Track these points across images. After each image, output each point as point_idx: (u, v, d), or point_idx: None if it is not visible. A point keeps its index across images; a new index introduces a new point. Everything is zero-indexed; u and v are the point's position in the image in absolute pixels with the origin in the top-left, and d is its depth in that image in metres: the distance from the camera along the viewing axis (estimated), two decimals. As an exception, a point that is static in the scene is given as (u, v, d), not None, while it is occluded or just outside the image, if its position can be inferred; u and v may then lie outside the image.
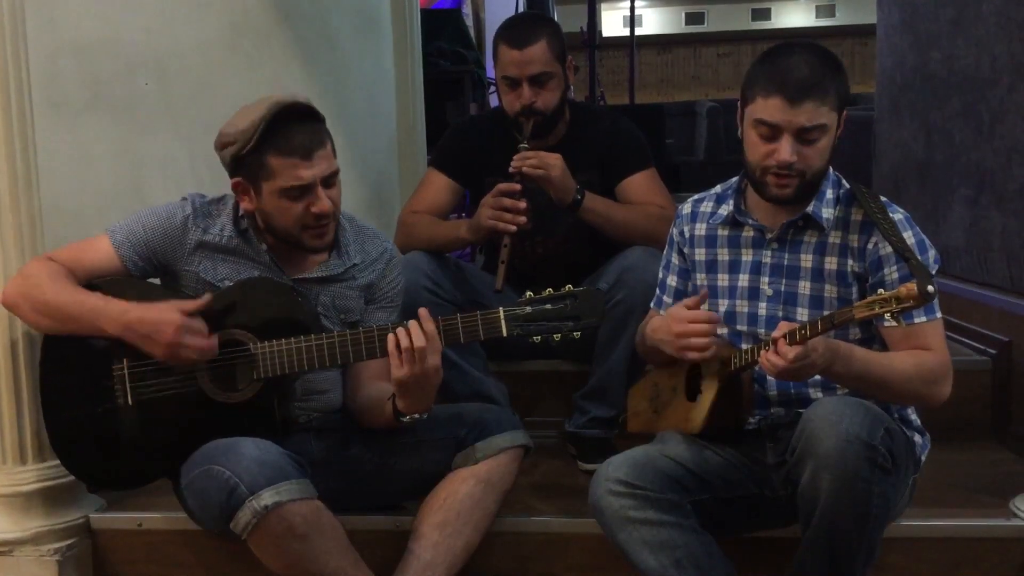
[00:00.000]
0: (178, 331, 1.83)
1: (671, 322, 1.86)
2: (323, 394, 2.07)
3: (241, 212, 2.00)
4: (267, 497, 1.73)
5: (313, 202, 1.91)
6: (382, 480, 2.07)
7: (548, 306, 1.81)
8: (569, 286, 1.83)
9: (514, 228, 2.32)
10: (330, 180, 1.94)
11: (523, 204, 2.32)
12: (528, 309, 1.82)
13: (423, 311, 1.83)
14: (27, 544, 2.10)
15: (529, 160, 2.34)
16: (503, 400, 2.50)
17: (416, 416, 1.89)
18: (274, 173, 1.88)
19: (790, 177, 1.80)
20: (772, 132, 1.78)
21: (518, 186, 2.33)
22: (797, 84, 1.74)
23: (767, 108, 1.77)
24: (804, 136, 1.77)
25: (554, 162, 2.35)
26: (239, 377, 1.92)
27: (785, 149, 1.77)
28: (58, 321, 1.90)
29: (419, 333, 1.80)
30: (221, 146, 1.93)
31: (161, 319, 1.84)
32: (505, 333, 1.82)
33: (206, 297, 1.89)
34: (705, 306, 2.00)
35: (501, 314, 1.82)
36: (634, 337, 2.18)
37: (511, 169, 2.35)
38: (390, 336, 1.81)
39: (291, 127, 1.87)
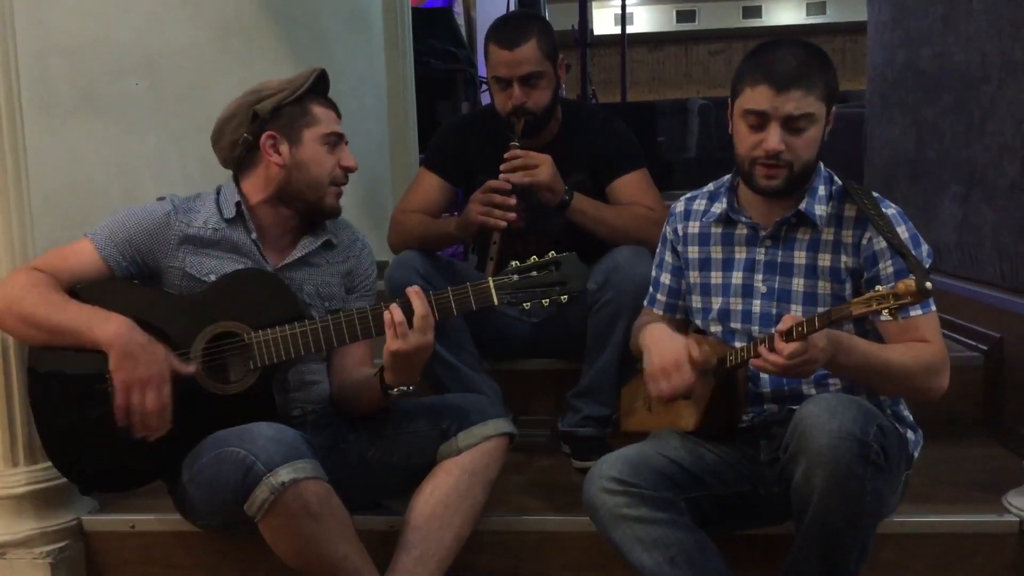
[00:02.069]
0: (157, 379, 1.83)
1: (668, 355, 1.84)
2: (314, 385, 2.08)
3: (236, 199, 2.02)
4: (284, 474, 1.72)
5: (343, 157, 2.06)
6: (370, 474, 2.07)
7: (534, 273, 1.85)
8: (552, 252, 1.86)
9: (503, 224, 2.32)
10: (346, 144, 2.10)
11: (512, 201, 2.33)
12: (515, 278, 1.85)
13: (413, 288, 1.86)
14: (19, 547, 2.10)
15: (517, 164, 2.33)
16: (496, 398, 2.50)
17: (403, 388, 1.91)
18: (318, 119, 2.04)
19: (778, 167, 1.81)
20: (760, 121, 1.79)
21: (508, 185, 2.33)
22: (784, 72, 1.76)
23: (754, 97, 1.79)
24: (792, 125, 1.78)
25: (542, 162, 2.35)
26: (234, 368, 1.92)
27: (773, 137, 1.78)
28: (46, 333, 1.89)
29: (421, 302, 1.83)
30: (254, 103, 2.01)
31: (154, 358, 1.85)
32: (496, 301, 1.85)
33: (192, 368, 1.89)
34: (698, 300, 2.00)
35: (491, 283, 1.85)
36: (624, 336, 2.18)
37: (501, 175, 2.34)
38: (387, 312, 1.83)
39: (325, 91, 2.10)
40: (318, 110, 2.04)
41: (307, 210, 2.06)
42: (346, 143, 2.08)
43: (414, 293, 1.84)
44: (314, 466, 1.78)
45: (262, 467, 1.72)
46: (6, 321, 1.93)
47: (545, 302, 1.84)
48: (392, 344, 1.83)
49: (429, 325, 1.84)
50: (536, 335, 2.62)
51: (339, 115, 2.08)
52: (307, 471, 1.75)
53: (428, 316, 1.83)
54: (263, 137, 2.01)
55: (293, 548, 1.81)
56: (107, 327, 1.85)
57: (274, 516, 1.75)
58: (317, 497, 1.77)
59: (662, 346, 1.87)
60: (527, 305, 1.85)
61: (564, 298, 1.85)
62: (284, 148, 2.01)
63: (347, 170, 2.07)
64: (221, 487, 1.77)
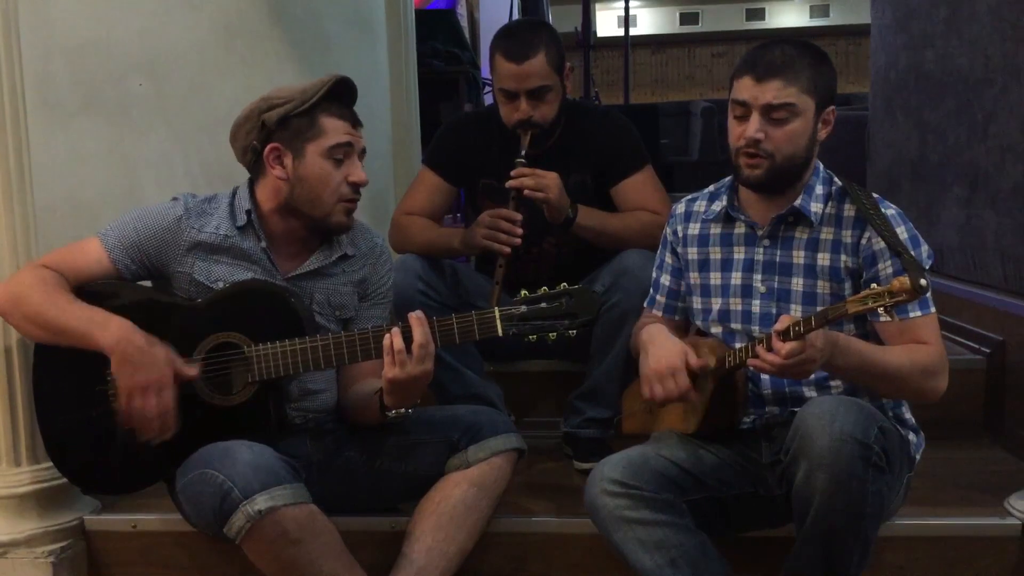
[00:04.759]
0: (158, 383, 1.82)
1: (665, 359, 1.84)
2: (318, 394, 2.07)
3: (247, 206, 2.00)
4: (261, 502, 1.73)
5: (351, 172, 1.98)
6: (376, 482, 2.06)
7: (543, 305, 1.80)
8: (564, 284, 1.82)
9: (508, 250, 2.32)
10: (362, 156, 2.02)
11: (520, 230, 2.32)
12: (523, 308, 1.80)
13: (416, 314, 1.82)
14: (21, 546, 2.10)
15: (527, 180, 2.32)
16: (498, 401, 2.50)
17: (402, 411, 1.90)
18: (325, 131, 1.95)
19: (759, 157, 1.82)
20: (744, 112, 1.82)
21: (519, 216, 2.33)
22: (766, 63, 1.80)
23: (738, 87, 1.83)
24: (771, 115, 1.80)
25: (552, 183, 2.33)
26: (234, 380, 1.91)
27: (752, 125, 1.80)
28: (50, 332, 1.89)
29: (422, 330, 1.79)
30: (264, 110, 1.95)
31: (156, 362, 1.83)
32: (501, 333, 1.81)
33: (194, 372, 1.88)
34: (698, 301, 2.00)
35: (496, 314, 1.81)
36: (629, 339, 2.18)
37: (508, 185, 2.34)
38: (387, 336, 1.81)
39: (343, 99, 1.99)
40: (327, 121, 1.95)
41: (314, 225, 2.01)
42: (360, 153, 2.00)
43: (415, 320, 1.80)
44: (294, 491, 1.78)
45: (239, 494, 1.72)
46: (12, 317, 1.93)
47: (552, 336, 1.80)
48: (389, 371, 1.80)
49: (428, 354, 1.80)
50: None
51: (355, 124, 1.99)
52: (285, 498, 1.75)
53: (428, 344, 1.79)
54: (267, 149, 1.96)
55: (274, 570, 1.83)
56: (107, 331, 1.84)
57: (252, 542, 1.76)
58: (296, 523, 1.77)
59: (660, 349, 1.87)
60: (533, 338, 1.80)
61: (572, 333, 1.80)
62: (288, 161, 1.95)
63: (355, 185, 1.98)
64: (202, 508, 1.78)
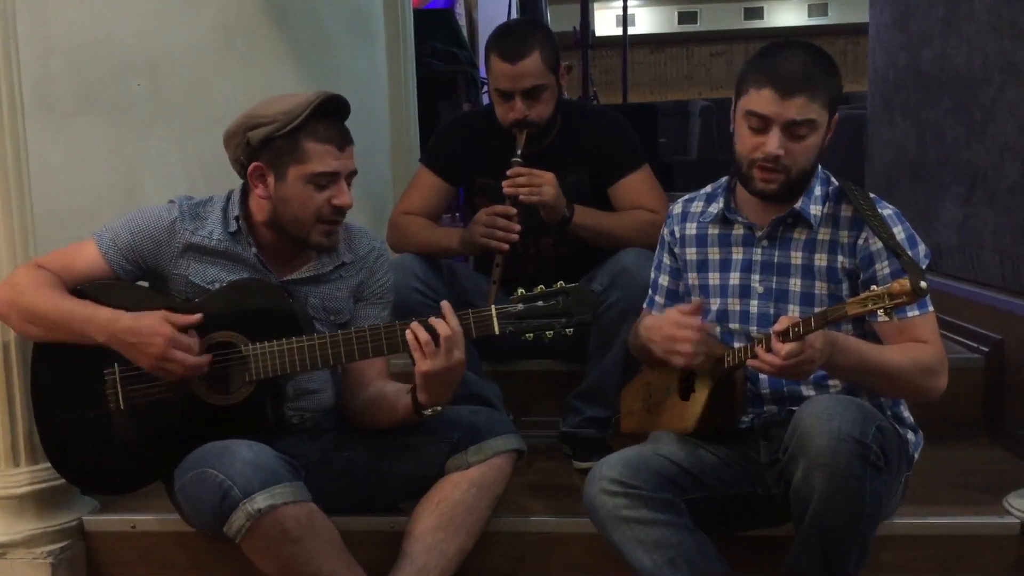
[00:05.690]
0: (167, 343, 1.83)
1: (664, 324, 1.86)
2: (315, 394, 2.07)
3: (236, 213, 2.00)
4: (260, 500, 1.73)
5: (336, 195, 1.94)
6: (376, 482, 2.06)
7: (540, 303, 1.80)
8: (561, 283, 1.82)
9: (506, 247, 2.33)
10: (351, 178, 1.98)
11: (517, 227, 2.33)
12: (520, 307, 1.81)
13: (445, 303, 1.83)
14: (20, 547, 2.10)
15: (521, 182, 2.33)
16: (497, 401, 2.50)
17: (438, 409, 1.90)
18: (308, 157, 1.90)
19: (776, 172, 1.81)
20: (762, 124, 1.79)
21: (514, 210, 2.34)
22: (789, 77, 1.76)
23: (759, 100, 1.78)
24: (793, 130, 1.78)
25: (547, 183, 2.34)
26: (231, 379, 1.91)
27: (773, 141, 1.78)
28: (46, 329, 1.91)
29: (447, 322, 1.79)
30: (249, 128, 1.92)
31: (151, 330, 1.84)
32: (497, 331, 1.81)
33: (197, 316, 1.89)
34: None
35: (493, 312, 1.81)
36: (627, 339, 2.18)
37: (504, 189, 2.34)
38: (408, 331, 1.81)
39: (331, 118, 1.93)
40: (311, 146, 1.90)
41: (296, 243, 2.00)
42: (349, 175, 1.96)
43: (409, 320, 1.82)
44: (294, 490, 1.78)
45: (239, 493, 1.73)
46: (9, 316, 1.94)
47: (549, 334, 1.80)
48: (421, 365, 1.80)
49: (456, 344, 1.79)
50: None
51: (342, 146, 1.93)
52: (285, 496, 1.76)
53: (453, 335, 1.79)
54: (250, 167, 1.94)
55: (273, 568, 1.83)
56: (97, 324, 1.86)
57: (252, 540, 1.76)
58: (296, 521, 1.77)
59: (656, 323, 1.88)
60: (530, 336, 1.80)
61: (569, 331, 1.80)
62: (270, 180, 1.93)
63: (339, 208, 1.95)
64: (201, 508, 1.78)
